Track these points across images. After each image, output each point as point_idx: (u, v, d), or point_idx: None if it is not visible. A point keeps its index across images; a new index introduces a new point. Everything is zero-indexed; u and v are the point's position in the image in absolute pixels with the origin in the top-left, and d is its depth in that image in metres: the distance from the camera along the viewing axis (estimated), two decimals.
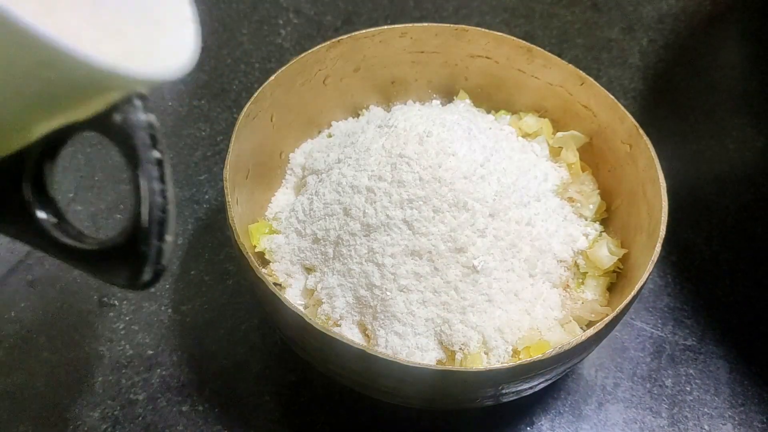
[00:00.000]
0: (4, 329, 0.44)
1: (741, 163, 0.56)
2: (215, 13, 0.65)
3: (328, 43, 0.44)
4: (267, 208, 0.44)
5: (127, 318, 0.45)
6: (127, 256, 0.20)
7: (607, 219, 0.44)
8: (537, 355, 0.32)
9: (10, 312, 0.45)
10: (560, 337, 0.38)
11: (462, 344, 0.37)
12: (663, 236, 0.36)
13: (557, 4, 0.69)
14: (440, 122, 0.39)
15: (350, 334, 0.38)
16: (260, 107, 0.42)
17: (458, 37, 0.46)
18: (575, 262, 0.41)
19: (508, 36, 0.46)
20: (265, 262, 0.41)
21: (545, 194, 0.42)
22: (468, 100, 0.49)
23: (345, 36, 0.45)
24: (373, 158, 0.39)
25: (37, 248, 0.21)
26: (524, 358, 0.36)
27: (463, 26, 0.46)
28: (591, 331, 0.33)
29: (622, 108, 0.42)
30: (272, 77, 0.42)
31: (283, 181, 0.46)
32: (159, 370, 0.43)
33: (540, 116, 0.48)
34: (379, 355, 0.31)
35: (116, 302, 0.46)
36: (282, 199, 0.45)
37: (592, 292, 0.41)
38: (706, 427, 0.42)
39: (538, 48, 0.45)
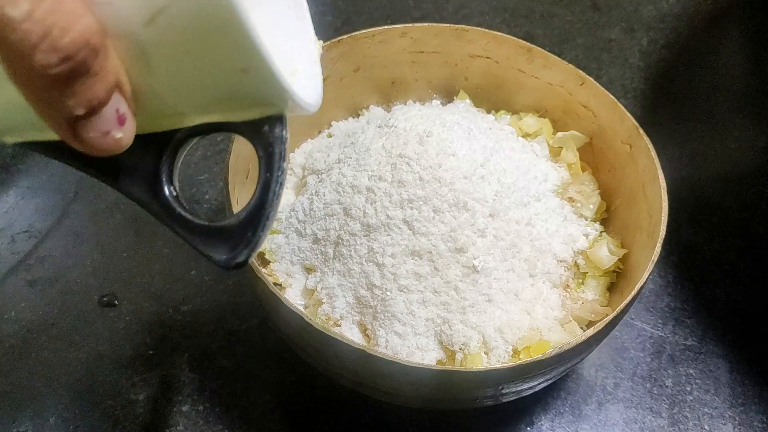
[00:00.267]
0: (4, 329, 0.44)
1: (742, 163, 0.56)
2: None
3: (328, 43, 0.44)
4: None
5: (127, 318, 0.45)
6: (232, 237, 0.23)
7: (607, 219, 0.44)
8: (537, 355, 0.32)
9: (10, 312, 0.45)
10: (560, 337, 0.38)
11: (462, 344, 0.37)
12: (663, 236, 0.36)
13: (557, 4, 0.69)
14: (440, 122, 0.39)
15: (350, 334, 0.38)
16: None
17: (458, 37, 0.46)
18: (575, 262, 0.41)
19: (508, 36, 0.46)
20: (265, 262, 0.41)
21: (545, 194, 0.42)
22: (468, 100, 0.49)
23: (345, 36, 0.45)
24: (373, 158, 0.38)
25: (156, 216, 0.24)
26: (524, 358, 0.36)
27: (463, 26, 0.46)
28: (591, 331, 0.33)
29: (622, 108, 0.42)
30: None
31: None
32: (159, 370, 0.43)
33: (540, 116, 0.48)
34: (379, 355, 0.31)
35: (116, 302, 0.46)
36: (282, 199, 0.45)
37: (592, 292, 0.41)
38: (706, 427, 0.42)
39: (538, 48, 0.45)
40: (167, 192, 0.24)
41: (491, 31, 0.46)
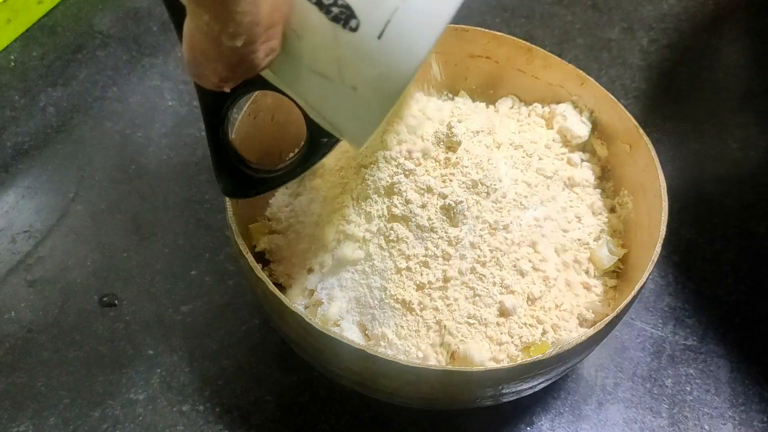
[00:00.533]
0: (4, 329, 0.44)
1: (744, 163, 0.56)
2: None
3: None
4: (267, 208, 0.44)
5: (127, 318, 0.45)
6: (249, 182, 0.32)
7: (607, 219, 0.44)
8: (537, 355, 0.32)
9: (10, 312, 0.45)
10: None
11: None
12: (663, 236, 0.36)
13: (557, 4, 0.69)
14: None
15: (350, 334, 0.38)
16: (261, 107, 0.42)
17: (458, 37, 0.46)
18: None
19: (508, 36, 0.45)
20: (265, 262, 0.41)
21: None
22: (468, 100, 0.49)
23: None
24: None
25: (205, 117, 0.30)
26: (524, 358, 0.36)
27: (463, 26, 0.46)
28: (591, 331, 0.33)
29: (623, 108, 0.42)
30: None
31: None
32: (159, 370, 0.43)
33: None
34: (379, 355, 0.31)
35: (116, 302, 0.46)
36: (282, 199, 0.45)
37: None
38: (706, 427, 0.42)
39: (538, 48, 0.45)
40: (223, 131, 0.31)
41: (491, 31, 0.46)
